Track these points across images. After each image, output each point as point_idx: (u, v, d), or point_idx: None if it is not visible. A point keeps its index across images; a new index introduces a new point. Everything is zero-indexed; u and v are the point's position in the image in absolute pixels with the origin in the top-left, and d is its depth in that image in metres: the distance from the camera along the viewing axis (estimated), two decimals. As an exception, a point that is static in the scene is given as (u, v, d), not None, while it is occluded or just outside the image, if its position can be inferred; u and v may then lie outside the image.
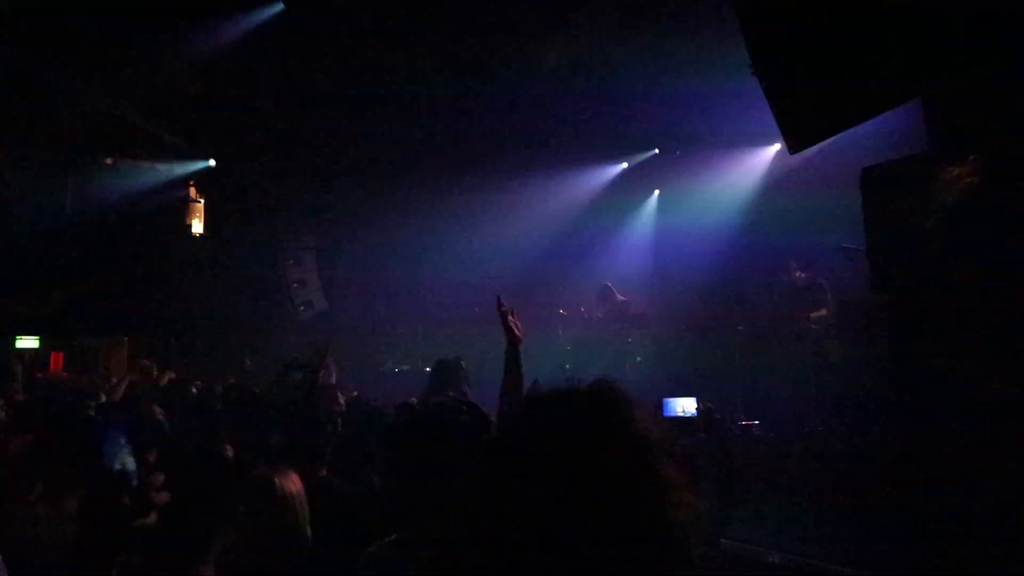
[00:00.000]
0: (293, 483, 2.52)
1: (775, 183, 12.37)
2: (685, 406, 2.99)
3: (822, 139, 4.20)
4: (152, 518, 1.27)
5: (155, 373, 7.01)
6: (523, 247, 12.87)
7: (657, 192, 14.32)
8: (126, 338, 11.98)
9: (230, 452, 2.34)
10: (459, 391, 4.44)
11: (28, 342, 11.02)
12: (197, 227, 11.42)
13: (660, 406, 2.97)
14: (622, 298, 11.44)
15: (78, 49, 8.13)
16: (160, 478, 1.30)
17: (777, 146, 11.33)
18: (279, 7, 8.18)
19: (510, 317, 3.37)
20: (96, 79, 8.67)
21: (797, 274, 9.26)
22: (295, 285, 12.83)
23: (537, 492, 0.97)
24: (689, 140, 11.52)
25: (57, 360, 10.96)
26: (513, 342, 3.30)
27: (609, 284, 11.50)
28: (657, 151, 12.78)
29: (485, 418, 2.09)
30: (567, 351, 11.15)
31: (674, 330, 12.13)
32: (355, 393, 5.68)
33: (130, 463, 1.26)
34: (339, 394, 4.63)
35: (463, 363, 4.75)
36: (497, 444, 1.09)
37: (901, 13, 3.08)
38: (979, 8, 2.87)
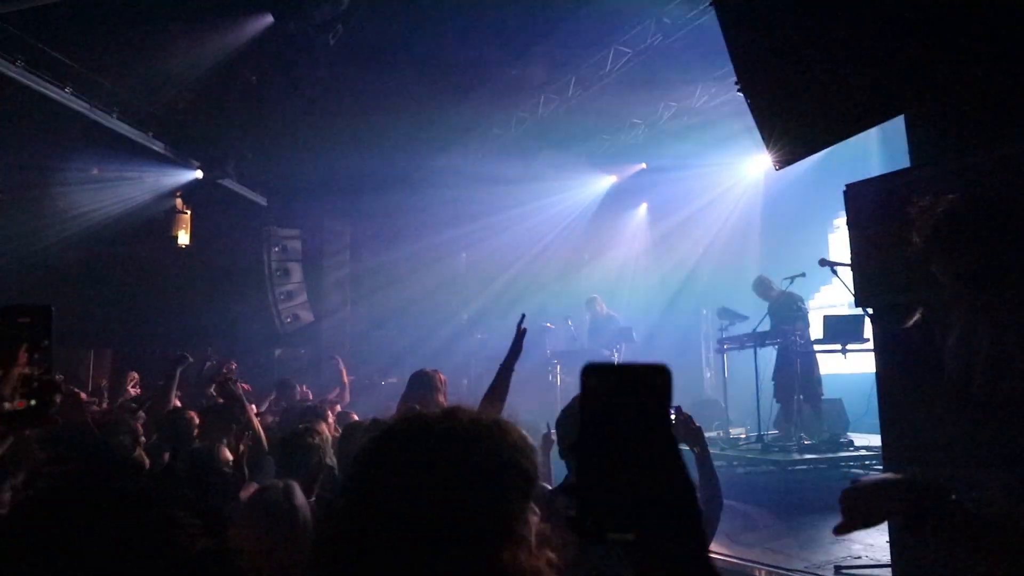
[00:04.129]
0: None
1: (764, 194, 12.51)
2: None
3: (807, 155, 4.25)
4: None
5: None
6: (510, 260, 12.91)
7: (645, 205, 14.43)
8: (109, 349, 11.86)
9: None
10: (435, 402, 4.43)
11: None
12: (183, 238, 11.35)
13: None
14: (608, 311, 11.49)
15: (67, 58, 8.11)
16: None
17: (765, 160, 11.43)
18: (268, 20, 8.20)
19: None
20: (85, 89, 8.63)
21: (772, 290, 9.48)
22: (281, 297, 12.77)
23: (384, 527, 0.97)
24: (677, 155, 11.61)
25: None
26: (511, 358, 3.46)
27: (595, 296, 11.56)
28: (644, 165, 12.88)
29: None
30: (553, 364, 11.16)
31: (662, 341, 12.19)
32: (338, 408, 5.66)
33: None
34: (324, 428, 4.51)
35: (440, 375, 4.74)
36: (349, 477, 1.08)
37: (884, 32, 3.13)
38: (961, 27, 2.93)
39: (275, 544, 2.22)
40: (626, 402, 0.78)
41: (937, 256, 1.99)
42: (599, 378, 0.79)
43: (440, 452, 1.02)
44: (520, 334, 3.58)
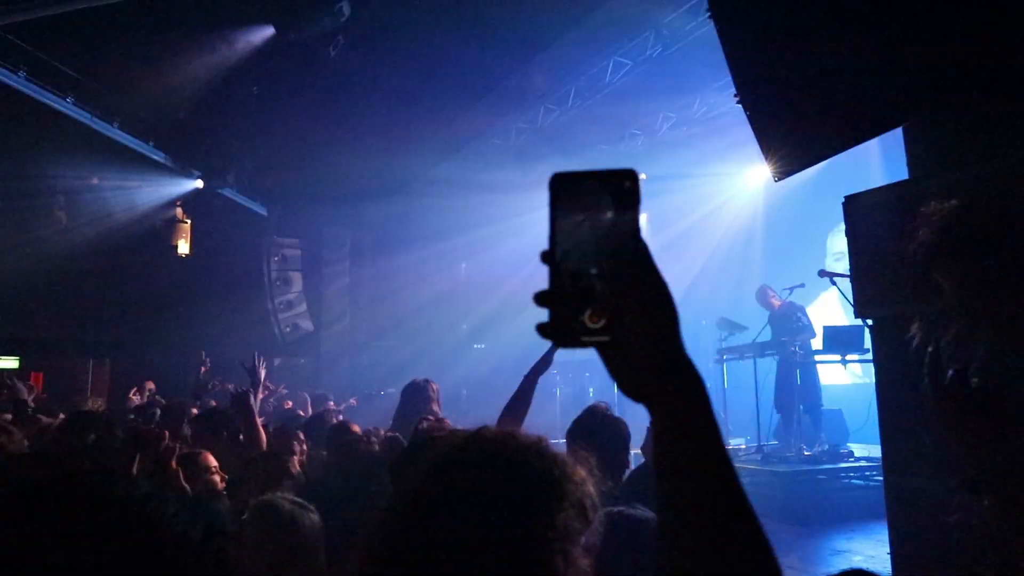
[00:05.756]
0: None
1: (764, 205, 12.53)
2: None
3: (807, 167, 4.26)
4: None
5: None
6: (510, 270, 12.91)
7: (645, 216, 14.44)
8: (108, 359, 11.85)
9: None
10: (430, 412, 4.44)
11: (7, 362, 10.86)
12: (183, 248, 11.36)
13: (651, 430, 2.96)
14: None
15: (70, 68, 8.15)
16: None
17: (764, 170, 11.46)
18: (269, 31, 8.24)
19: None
20: (87, 99, 8.66)
21: (774, 301, 9.46)
22: (281, 307, 12.77)
23: (439, 540, 0.98)
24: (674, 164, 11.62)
25: (37, 379, 10.80)
26: (541, 368, 3.41)
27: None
28: (644, 176, 12.89)
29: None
30: (553, 373, 11.15)
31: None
32: (340, 418, 5.64)
33: None
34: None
35: (434, 385, 4.74)
36: (401, 492, 1.08)
37: (883, 43, 3.15)
38: (959, 40, 2.94)
39: (278, 558, 2.20)
40: (596, 207, 0.76)
41: (940, 261, 1.98)
42: (567, 185, 0.77)
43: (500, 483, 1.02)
44: (553, 348, 3.55)
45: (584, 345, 0.75)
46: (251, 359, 5.22)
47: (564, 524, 1.01)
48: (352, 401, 10.16)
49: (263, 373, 5.17)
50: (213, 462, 3.06)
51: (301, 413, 7.24)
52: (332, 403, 8.05)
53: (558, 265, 0.76)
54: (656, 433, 0.77)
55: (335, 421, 4.83)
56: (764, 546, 0.73)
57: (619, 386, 0.79)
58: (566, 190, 0.77)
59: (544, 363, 3.50)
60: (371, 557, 1.03)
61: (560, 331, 0.75)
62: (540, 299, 0.76)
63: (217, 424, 3.85)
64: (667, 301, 0.77)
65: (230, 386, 9.22)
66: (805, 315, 9.19)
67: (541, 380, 3.38)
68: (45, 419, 4.41)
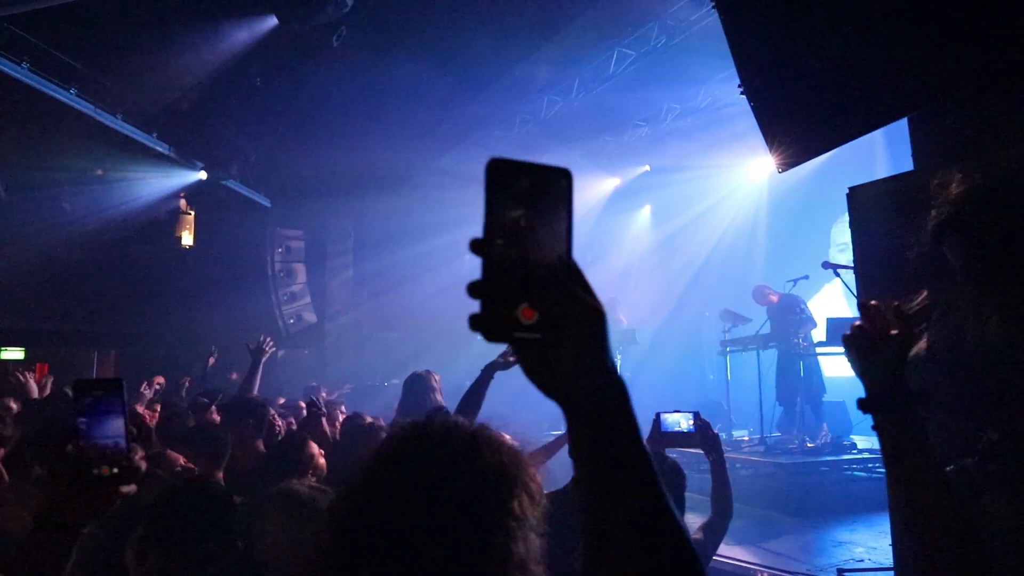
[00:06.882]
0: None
1: (768, 196, 12.49)
2: (681, 421, 2.97)
3: (811, 157, 4.24)
4: (133, 488, 1.31)
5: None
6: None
7: (649, 207, 14.42)
8: (113, 350, 11.89)
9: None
10: (432, 403, 4.46)
11: (12, 353, 10.91)
12: (187, 239, 11.37)
13: (656, 421, 2.95)
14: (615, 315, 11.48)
15: (73, 59, 8.15)
16: (141, 451, 1.34)
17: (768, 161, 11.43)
18: (272, 21, 8.22)
19: None
20: (90, 90, 8.66)
21: (772, 296, 9.47)
22: (285, 299, 12.80)
23: (394, 518, 0.99)
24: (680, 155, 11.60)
25: (42, 370, 10.85)
26: (496, 367, 3.51)
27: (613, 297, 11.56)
28: (648, 167, 12.87)
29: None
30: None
31: (665, 344, 12.17)
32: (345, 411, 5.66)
33: (115, 435, 1.31)
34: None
35: (435, 375, 4.77)
36: (359, 477, 1.08)
37: (888, 33, 3.13)
38: (966, 28, 2.93)
39: (301, 542, 2.21)
40: (531, 199, 0.75)
41: (952, 234, 1.94)
42: (505, 173, 0.76)
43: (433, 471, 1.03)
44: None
45: (514, 340, 0.74)
46: (256, 341, 5.40)
47: (521, 510, 1.01)
48: (347, 388, 10.22)
49: (267, 355, 5.37)
50: (181, 460, 3.12)
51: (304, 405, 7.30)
52: (324, 393, 8.06)
53: (492, 256, 0.74)
54: (574, 435, 0.77)
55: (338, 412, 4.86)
56: (684, 546, 0.74)
57: (538, 385, 0.78)
58: (504, 178, 0.76)
59: (503, 363, 3.51)
60: (322, 551, 1.03)
61: (491, 325, 0.74)
62: (473, 290, 0.74)
63: (243, 412, 3.88)
64: (595, 305, 0.78)
65: (233, 375, 9.26)
66: (805, 306, 9.20)
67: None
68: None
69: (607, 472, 0.76)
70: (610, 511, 0.75)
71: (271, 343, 5.70)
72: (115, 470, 1.28)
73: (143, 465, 1.34)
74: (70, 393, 4.94)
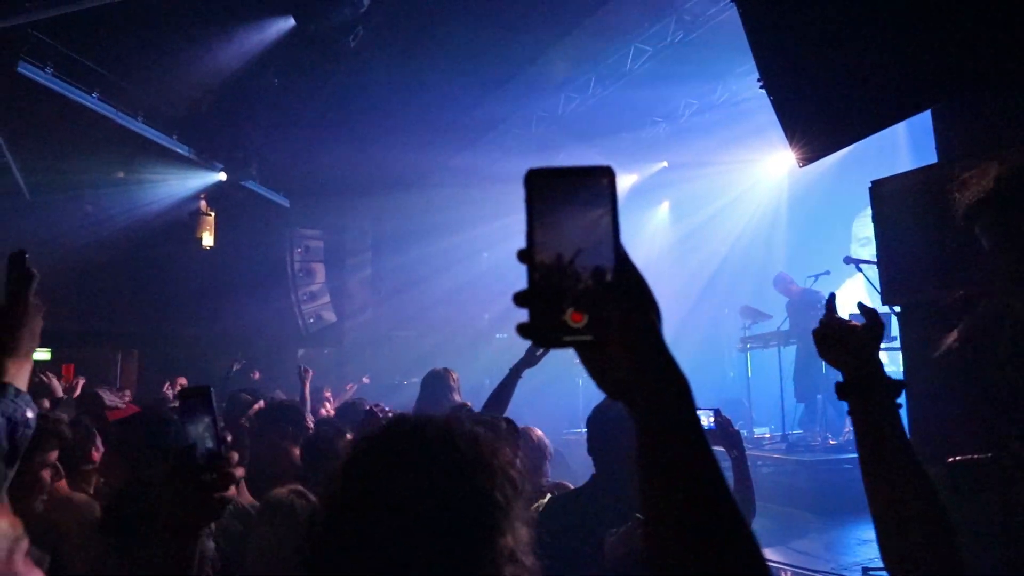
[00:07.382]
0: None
1: (788, 191, 12.36)
2: (701, 419, 2.94)
3: (831, 151, 4.19)
4: (233, 491, 1.35)
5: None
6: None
7: (667, 204, 14.34)
8: (136, 350, 12.04)
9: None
10: (450, 401, 4.46)
11: (40, 354, 11.07)
12: (208, 240, 11.49)
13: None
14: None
15: (95, 64, 8.26)
16: (236, 456, 1.37)
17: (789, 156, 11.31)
18: (290, 23, 8.27)
19: None
20: (111, 94, 8.78)
21: (793, 287, 9.39)
22: (304, 298, 12.89)
23: (377, 512, 0.98)
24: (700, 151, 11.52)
25: (68, 370, 11.01)
26: (524, 364, 3.54)
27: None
28: (666, 163, 12.79)
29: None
30: (575, 364, 11.12)
31: (684, 341, 12.09)
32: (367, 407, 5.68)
33: (210, 441, 1.36)
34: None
35: (453, 373, 4.77)
36: (343, 471, 1.07)
37: (910, 23, 3.08)
38: (989, 20, 2.87)
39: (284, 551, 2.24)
40: (574, 204, 0.75)
41: (986, 213, 1.88)
42: (544, 181, 0.76)
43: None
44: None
45: (566, 345, 0.74)
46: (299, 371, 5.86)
47: (505, 500, 1.00)
48: (364, 379, 10.30)
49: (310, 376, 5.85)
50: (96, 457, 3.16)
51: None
52: (329, 393, 8.13)
53: (537, 264, 0.74)
54: (639, 432, 0.75)
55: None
56: (751, 544, 0.72)
57: (600, 386, 0.78)
58: (543, 187, 0.76)
59: (529, 359, 3.53)
60: (304, 562, 1.03)
61: (541, 331, 0.74)
62: (520, 299, 0.74)
63: (280, 418, 3.82)
64: (647, 298, 0.77)
65: (255, 374, 9.34)
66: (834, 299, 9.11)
67: (562, 370, 3.42)
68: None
69: (672, 471, 0.74)
70: (676, 511, 0.73)
71: (310, 373, 5.97)
72: (214, 475, 1.33)
73: (240, 471, 1.38)
74: (99, 394, 5.07)
